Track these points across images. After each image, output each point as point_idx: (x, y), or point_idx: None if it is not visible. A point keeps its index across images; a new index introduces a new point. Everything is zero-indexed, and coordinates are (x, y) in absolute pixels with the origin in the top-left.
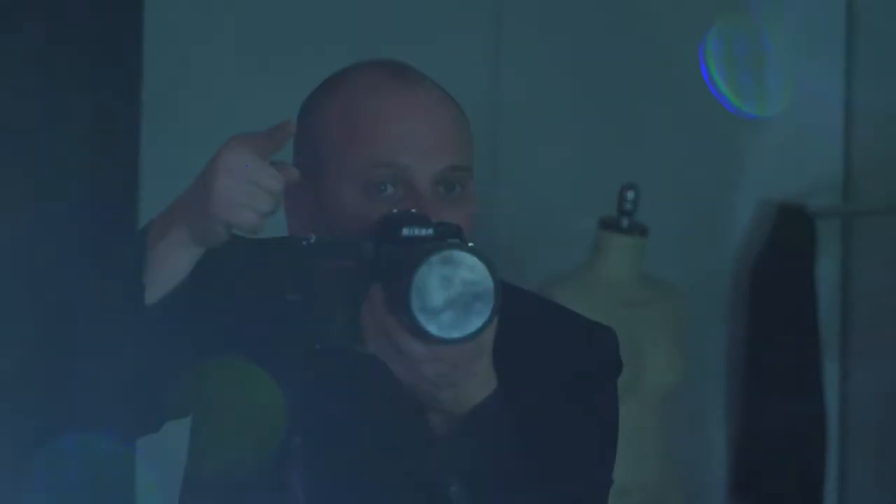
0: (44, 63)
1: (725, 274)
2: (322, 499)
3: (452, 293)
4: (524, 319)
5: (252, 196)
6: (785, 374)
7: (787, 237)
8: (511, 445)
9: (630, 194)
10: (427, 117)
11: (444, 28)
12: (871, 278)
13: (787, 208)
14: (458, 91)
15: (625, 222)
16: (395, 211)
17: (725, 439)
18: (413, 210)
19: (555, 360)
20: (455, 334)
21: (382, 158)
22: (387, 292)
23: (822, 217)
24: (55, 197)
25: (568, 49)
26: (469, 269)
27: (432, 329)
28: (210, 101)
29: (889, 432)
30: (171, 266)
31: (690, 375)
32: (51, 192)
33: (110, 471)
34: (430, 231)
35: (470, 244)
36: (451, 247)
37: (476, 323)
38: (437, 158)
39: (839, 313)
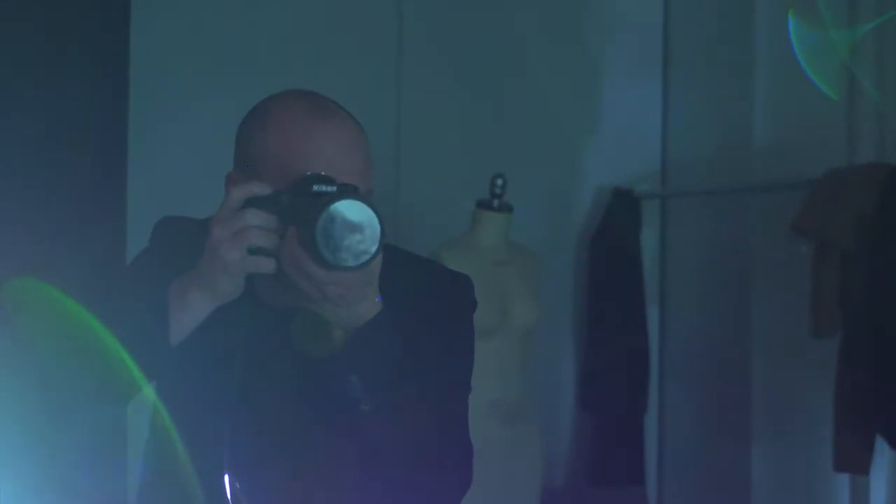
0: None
1: (573, 241)
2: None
3: (347, 232)
4: (403, 268)
5: (233, 241)
6: (618, 316)
7: (619, 214)
8: (394, 351)
9: (499, 181)
10: (342, 148)
11: (353, 53)
12: (682, 245)
13: (618, 192)
14: (367, 107)
15: (495, 203)
16: (308, 174)
17: (573, 365)
18: (322, 173)
19: (425, 296)
20: (349, 263)
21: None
22: (299, 232)
23: (645, 199)
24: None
25: (454, 75)
26: (361, 214)
27: (332, 259)
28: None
29: (693, 358)
30: (190, 317)
31: (546, 317)
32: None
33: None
34: (334, 188)
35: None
36: (347, 197)
37: (366, 256)
38: (350, 181)
39: (658, 271)
